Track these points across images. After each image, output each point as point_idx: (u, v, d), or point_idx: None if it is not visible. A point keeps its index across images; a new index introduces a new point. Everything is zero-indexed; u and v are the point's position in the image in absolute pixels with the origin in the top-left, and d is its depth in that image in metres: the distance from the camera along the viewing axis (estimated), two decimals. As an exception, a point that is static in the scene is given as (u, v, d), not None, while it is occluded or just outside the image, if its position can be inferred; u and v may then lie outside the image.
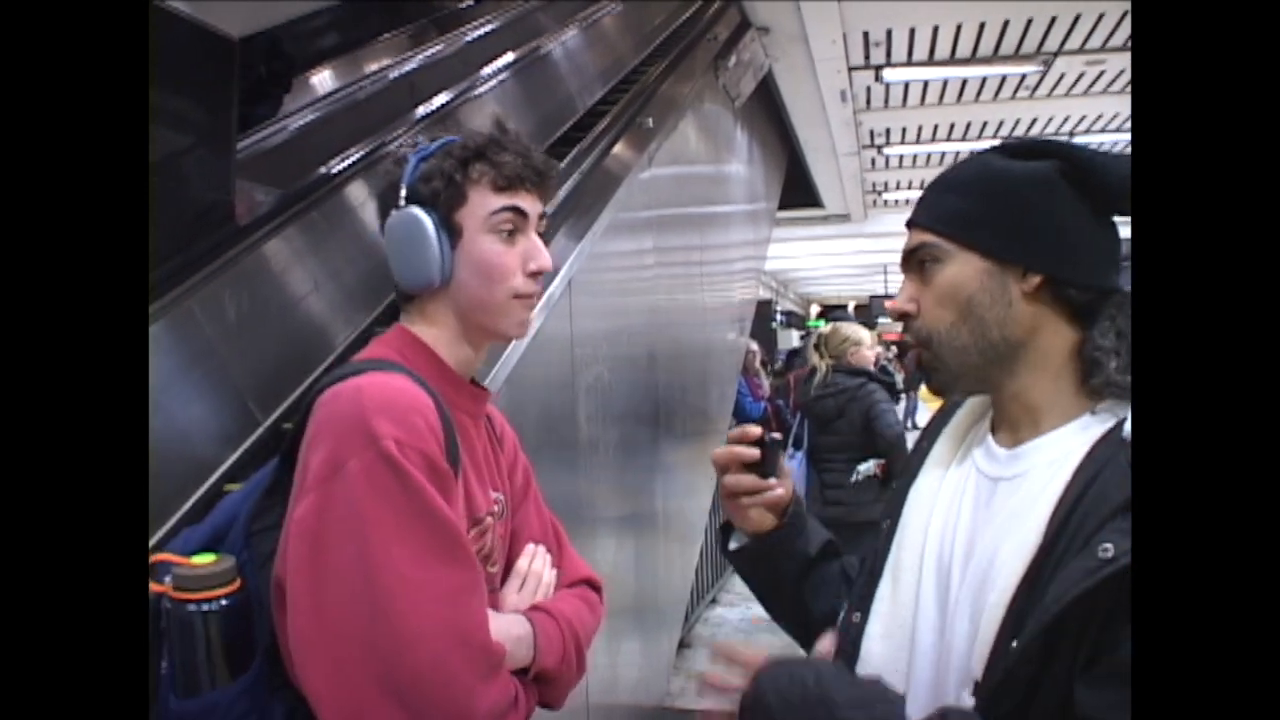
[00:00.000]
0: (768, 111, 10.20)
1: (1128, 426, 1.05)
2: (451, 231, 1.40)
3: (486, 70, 6.93)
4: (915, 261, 1.25)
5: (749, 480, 1.42)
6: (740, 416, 8.37)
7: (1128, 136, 11.67)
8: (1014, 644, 1.03)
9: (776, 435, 1.41)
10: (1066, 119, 12.08)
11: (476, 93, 6.65)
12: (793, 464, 5.42)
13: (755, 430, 1.41)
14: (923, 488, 1.28)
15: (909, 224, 1.27)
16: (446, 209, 1.40)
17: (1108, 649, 0.97)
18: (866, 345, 5.39)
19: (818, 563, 1.46)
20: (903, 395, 21.23)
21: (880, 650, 1.23)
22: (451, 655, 1.18)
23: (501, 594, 1.46)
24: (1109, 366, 1.12)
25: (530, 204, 1.42)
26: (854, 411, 5.09)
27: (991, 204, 1.20)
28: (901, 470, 1.37)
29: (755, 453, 1.40)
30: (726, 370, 7.47)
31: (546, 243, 1.46)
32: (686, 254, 5.92)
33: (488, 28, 7.81)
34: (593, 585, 1.60)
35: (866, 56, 9.31)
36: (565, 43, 7.93)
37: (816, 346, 5.53)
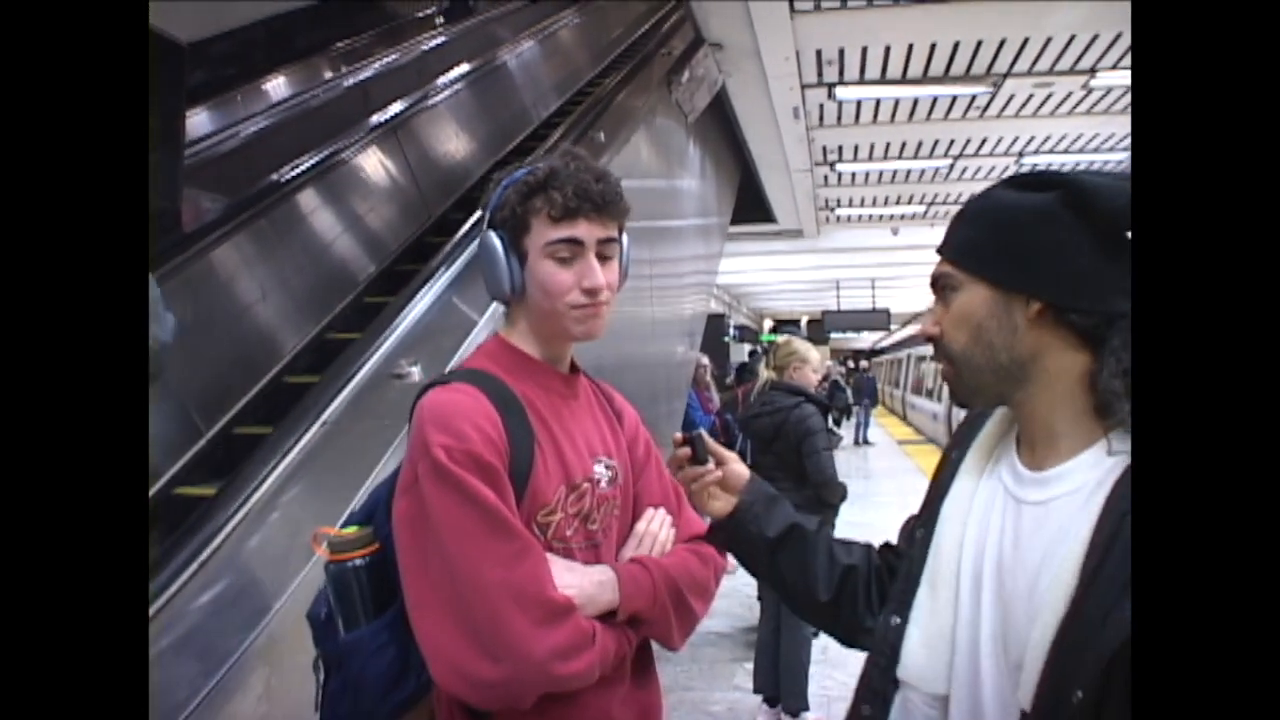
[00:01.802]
0: (721, 127, 10.27)
1: None
2: (519, 254, 1.63)
3: (442, 80, 6.93)
4: (938, 288, 1.36)
5: (690, 470, 1.65)
6: (690, 430, 8.38)
7: (1076, 158, 11.82)
8: (1078, 693, 1.10)
9: (698, 432, 1.68)
10: (1016, 139, 12.25)
11: (431, 102, 6.65)
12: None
13: (679, 435, 1.67)
14: (956, 499, 1.39)
15: (937, 250, 1.37)
16: (513, 235, 1.63)
17: None
18: (812, 366, 5.27)
19: (784, 543, 1.61)
20: (854, 409, 21.44)
21: (922, 658, 1.34)
22: (507, 607, 1.45)
23: (621, 553, 1.70)
24: (1121, 410, 1.19)
25: (588, 231, 1.61)
26: (789, 434, 4.96)
27: (997, 236, 1.29)
28: (933, 479, 1.49)
29: (687, 450, 1.64)
30: (675, 384, 7.49)
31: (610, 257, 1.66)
32: (636, 267, 5.76)
33: (444, 37, 7.81)
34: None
35: (819, 74, 9.39)
36: (521, 54, 7.94)
37: (766, 353, 5.52)
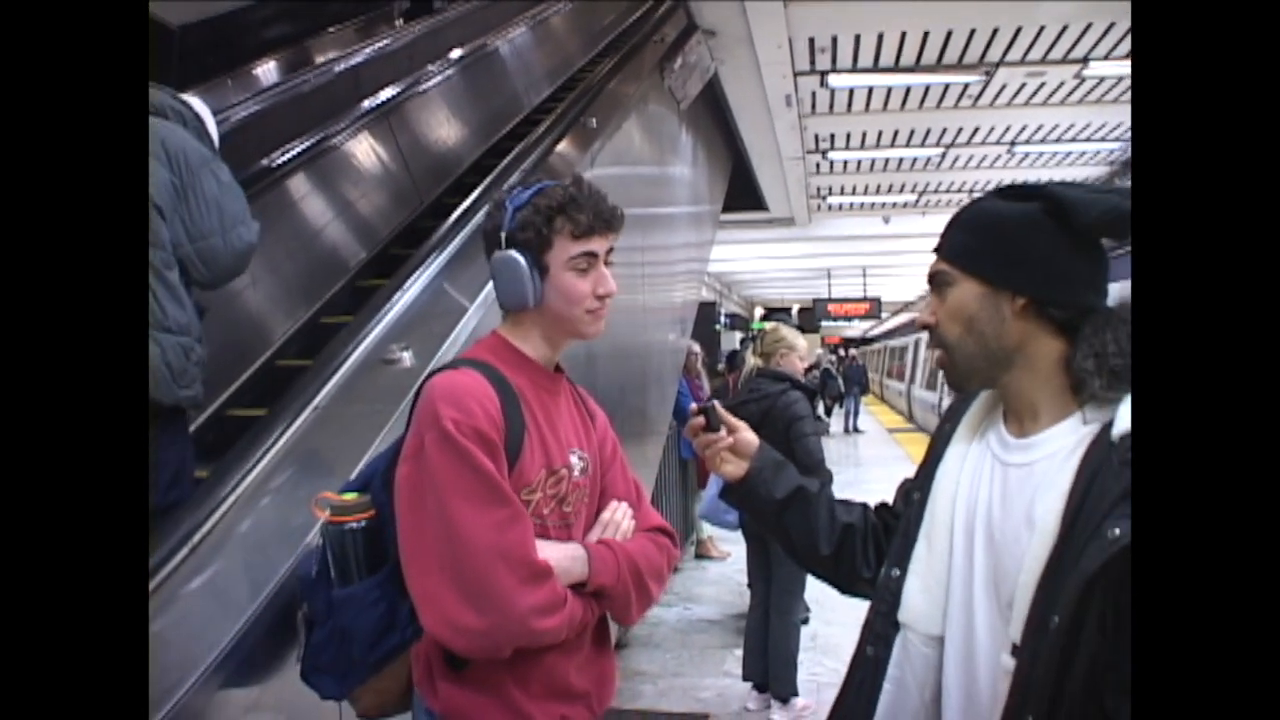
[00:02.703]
0: (713, 114, 10.25)
1: (1115, 430, 1.36)
2: (541, 268, 1.85)
3: (433, 66, 6.90)
4: (934, 283, 1.57)
5: (704, 437, 1.84)
6: (680, 417, 8.38)
7: (1068, 147, 11.82)
8: (1055, 619, 1.32)
9: (711, 402, 1.87)
10: (1008, 128, 12.26)
11: (422, 88, 6.62)
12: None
13: (695, 406, 1.88)
14: (949, 465, 1.62)
15: (934, 250, 1.59)
16: (537, 252, 1.84)
17: (1126, 613, 1.21)
18: (799, 353, 5.27)
19: (790, 503, 1.82)
20: (845, 398, 21.49)
21: (921, 602, 1.55)
22: (496, 565, 1.66)
23: (587, 538, 1.91)
24: (1094, 385, 1.41)
25: (600, 245, 1.87)
26: (776, 420, 4.92)
27: (987, 240, 1.51)
28: (928, 448, 1.71)
29: (702, 419, 1.84)
30: (666, 371, 7.48)
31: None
32: (627, 255, 5.86)
33: (436, 23, 7.78)
34: (664, 531, 2.04)
35: (812, 62, 9.39)
36: (513, 40, 7.91)
37: (754, 340, 5.51)
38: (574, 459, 1.93)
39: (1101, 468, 1.35)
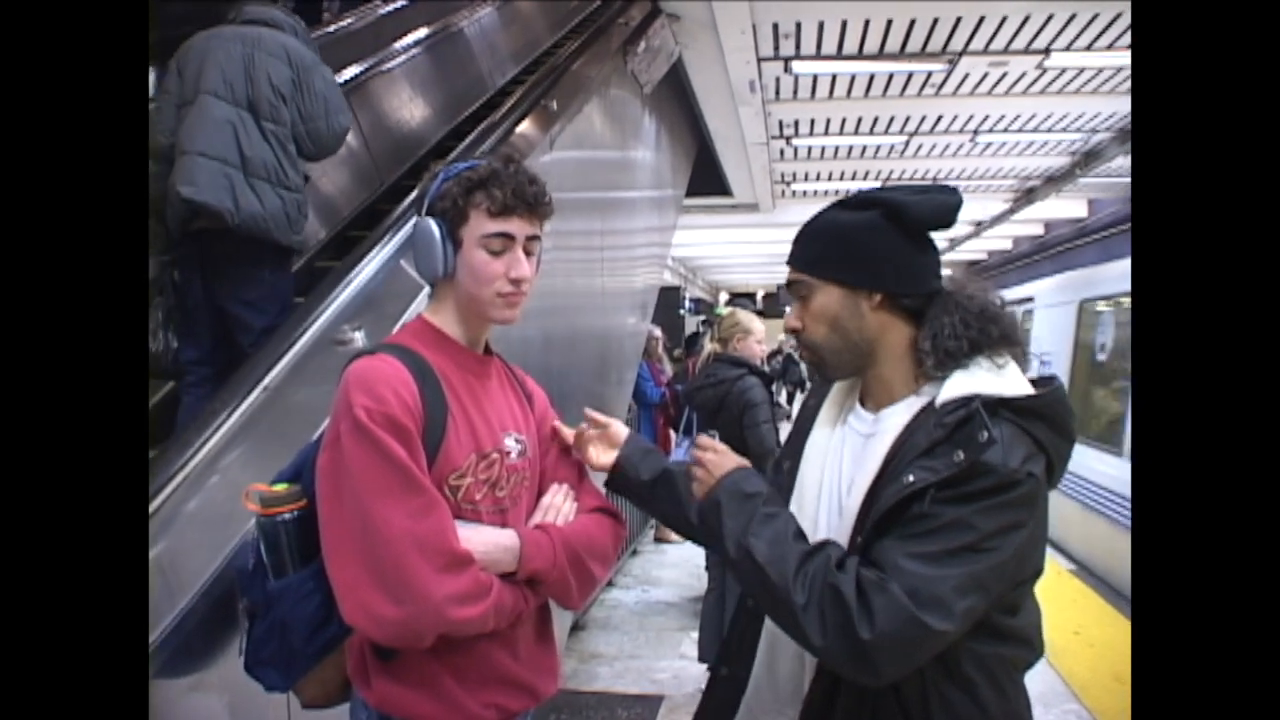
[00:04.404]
0: (677, 99, 10.22)
1: (939, 398, 1.63)
2: (455, 241, 1.84)
3: (398, 45, 6.85)
4: (795, 293, 1.80)
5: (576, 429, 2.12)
6: (640, 400, 8.40)
7: (1030, 136, 11.84)
8: (858, 539, 1.62)
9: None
10: (970, 118, 12.30)
11: (386, 67, 6.57)
12: (679, 452, 5.41)
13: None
14: (815, 441, 1.85)
15: (788, 263, 1.79)
16: (452, 224, 1.83)
17: (900, 535, 1.55)
18: (755, 338, 5.25)
19: (658, 483, 2.06)
20: (808, 384, 21.56)
21: None
22: (410, 554, 1.64)
23: (529, 524, 1.91)
24: (928, 364, 1.67)
25: (519, 227, 1.84)
26: (732, 406, 4.93)
27: (838, 248, 1.74)
28: (794, 424, 1.96)
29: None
30: (626, 355, 7.48)
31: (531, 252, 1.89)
32: (586, 238, 5.94)
33: (401, 2, 7.71)
34: (607, 511, 2.05)
35: (776, 48, 9.37)
36: (480, 20, 7.86)
37: (711, 325, 5.53)
38: (509, 442, 1.91)
39: (918, 428, 1.62)
